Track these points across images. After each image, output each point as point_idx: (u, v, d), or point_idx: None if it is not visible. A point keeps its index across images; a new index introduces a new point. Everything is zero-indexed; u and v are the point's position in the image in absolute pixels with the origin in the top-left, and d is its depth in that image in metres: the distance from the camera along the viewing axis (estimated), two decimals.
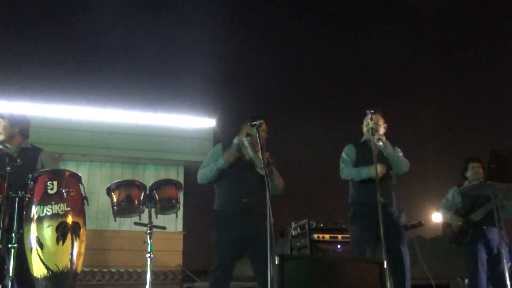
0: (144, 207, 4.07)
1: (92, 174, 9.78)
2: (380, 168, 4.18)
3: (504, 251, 4.71)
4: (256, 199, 3.96)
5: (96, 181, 9.47)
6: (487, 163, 4.60)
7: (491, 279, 5.12)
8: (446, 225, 5.36)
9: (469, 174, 5.36)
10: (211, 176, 4.22)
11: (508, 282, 4.53)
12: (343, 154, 4.66)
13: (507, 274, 4.54)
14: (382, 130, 4.52)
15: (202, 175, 4.28)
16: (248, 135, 4.09)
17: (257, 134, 3.86)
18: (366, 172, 4.31)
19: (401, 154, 4.56)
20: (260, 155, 3.95)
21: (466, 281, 5.95)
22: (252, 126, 4.06)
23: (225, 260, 4.02)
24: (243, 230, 4.02)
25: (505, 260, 4.64)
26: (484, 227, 5.03)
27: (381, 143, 4.36)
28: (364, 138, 4.64)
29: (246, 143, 4.06)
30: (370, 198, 4.22)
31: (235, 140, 4.37)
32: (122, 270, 9.36)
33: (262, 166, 3.87)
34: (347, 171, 4.52)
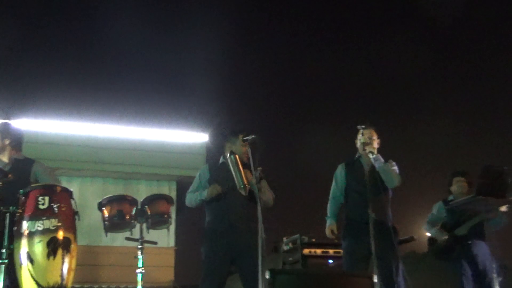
0: (135, 222, 4.07)
1: (84, 189, 9.73)
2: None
3: (494, 265, 4.71)
4: (243, 216, 4.01)
5: (87, 196, 9.41)
6: (479, 178, 4.63)
7: None
8: (431, 240, 5.35)
9: (453, 188, 5.37)
10: (196, 204, 4.32)
11: None
12: (334, 178, 4.71)
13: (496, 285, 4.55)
14: (375, 145, 4.54)
15: (188, 200, 4.39)
16: (231, 153, 4.11)
17: (247, 149, 3.93)
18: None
19: (395, 167, 4.56)
20: (243, 173, 3.98)
21: None
22: (245, 140, 4.10)
23: (213, 276, 4.05)
24: (231, 247, 4.06)
25: (495, 275, 4.64)
26: (470, 242, 5.04)
27: (372, 156, 4.39)
28: (357, 154, 4.66)
29: (229, 161, 4.08)
30: (362, 214, 4.24)
31: (221, 159, 4.41)
32: (113, 286, 9.28)
33: (243, 186, 3.93)
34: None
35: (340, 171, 4.67)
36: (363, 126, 4.46)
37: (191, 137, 10.56)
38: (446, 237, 5.15)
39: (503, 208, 4.94)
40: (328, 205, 4.65)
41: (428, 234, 5.44)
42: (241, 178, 4.01)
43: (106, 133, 10.11)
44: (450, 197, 5.39)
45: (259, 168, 3.95)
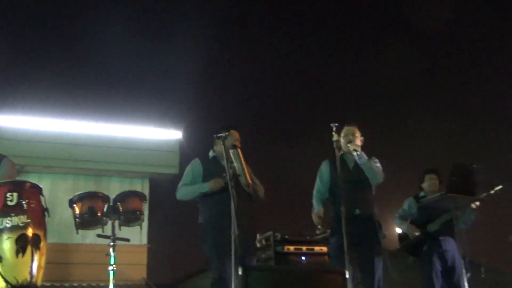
0: (107, 219, 4.02)
1: (55, 186, 9.58)
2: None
3: (463, 262, 4.79)
4: (245, 211, 3.98)
5: (59, 193, 9.26)
6: (449, 175, 4.71)
7: None
8: (403, 236, 5.43)
9: (425, 185, 5.46)
10: (195, 197, 4.26)
11: None
12: (318, 175, 4.71)
13: (466, 285, 4.63)
14: (358, 142, 4.57)
15: (184, 193, 4.32)
16: (234, 146, 4.09)
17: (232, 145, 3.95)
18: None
19: (378, 164, 4.61)
20: (246, 169, 3.97)
21: None
22: (219, 137, 4.10)
23: (222, 270, 4.00)
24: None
25: (464, 271, 4.72)
26: (440, 238, 5.13)
27: (355, 153, 4.42)
28: (341, 151, 4.66)
29: (232, 156, 4.05)
30: (349, 210, 4.27)
31: (211, 153, 4.39)
32: (84, 284, 9.16)
33: (246, 183, 3.92)
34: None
35: (325, 168, 4.67)
36: (336, 125, 4.49)
37: (165, 134, 10.49)
38: (418, 233, 5.23)
39: (474, 205, 5.04)
40: (314, 199, 4.63)
41: (399, 229, 5.51)
42: (245, 174, 4.00)
43: (78, 130, 9.96)
44: (421, 194, 5.47)
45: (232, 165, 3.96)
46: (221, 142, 4.17)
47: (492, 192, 4.97)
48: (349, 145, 4.46)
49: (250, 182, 4.05)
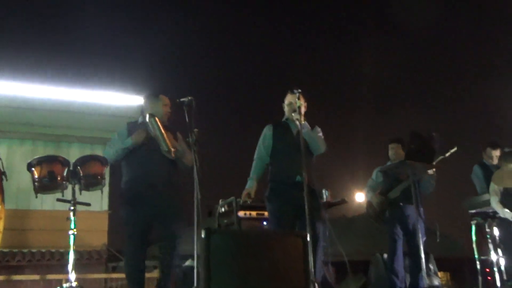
0: (67, 183, 3.97)
1: (12, 152, 9.34)
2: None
3: (420, 226, 4.97)
4: (164, 177, 3.98)
5: (16, 159, 9.03)
6: (407, 143, 4.84)
7: (408, 253, 5.40)
8: (369, 204, 5.61)
9: (390, 154, 5.63)
10: (118, 155, 4.20)
11: (423, 255, 4.81)
12: (261, 138, 4.72)
13: (421, 248, 4.81)
14: (303, 109, 4.58)
15: (108, 152, 4.23)
16: (151, 115, 4.06)
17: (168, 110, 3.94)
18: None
19: (320, 134, 4.64)
20: (166, 137, 3.94)
21: (385, 255, 6.25)
22: (181, 103, 4.06)
23: (136, 239, 4.02)
24: (151, 208, 4.03)
25: (420, 235, 4.90)
26: (401, 204, 5.29)
27: (298, 123, 4.43)
28: (285, 117, 4.70)
29: (150, 125, 4.02)
30: (289, 176, 4.33)
31: (140, 119, 4.35)
32: (43, 250, 9.06)
33: (167, 150, 3.89)
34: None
35: (267, 132, 4.69)
36: (297, 90, 4.51)
37: (127, 99, 10.30)
38: (380, 201, 5.40)
39: (430, 171, 5.21)
40: (253, 165, 4.65)
41: (359, 196, 5.70)
42: (165, 141, 3.97)
43: (36, 94, 9.67)
44: (388, 163, 5.63)
45: (195, 130, 3.92)
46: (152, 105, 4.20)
47: (447, 155, 5.14)
48: (293, 114, 4.46)
49: (172, 148, 4.01)
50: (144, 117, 4.21)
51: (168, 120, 4.19)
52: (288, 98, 4.61)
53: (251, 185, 4.58)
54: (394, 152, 5.58)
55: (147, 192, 4.04)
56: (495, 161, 6.14)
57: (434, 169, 5.18)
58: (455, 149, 5.23)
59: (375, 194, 5.57)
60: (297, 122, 4.40)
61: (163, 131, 3.97)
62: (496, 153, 6.16)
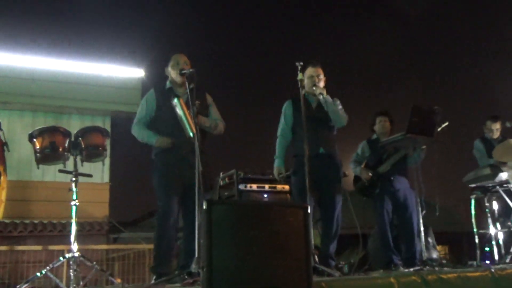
0: (69, 154, 3.97)
1: (12, 123, 9.34)
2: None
3: (419, 200, 4.98)
4: (192, 151, 3.92)
5: (16, 130, 9.04)
6: (409, 117, 4.81)
7: (399, 225, 5.40)
8: (357, 178, 5.58)
9: (376, 127, 5.58)
10: (142, 141, 4.19)
11: (422, 229, 4.84)
12: (282, 116, 4.70)
13: (420, 222, 4.84)
14: (322, 84, 4.56)
15: (137, 134, 4.20)
16: (175, 96, 4.00)
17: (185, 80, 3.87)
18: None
19: (340, 107, 4.62)
20: (190, 120, 3.87)
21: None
22: (182, 74, 4.03)
23: (169, 202, 4.02)
24: (182, 178, 4.02)
25: (419, 208, 4.92)
26: (392, 178, 5.29)
27: (321, 97, 4.41)
28: (303, 91, 4.63)
29: (174, 106, 3.97)
30: (311, 149, 4.33)
31: (168, 84, 4.27)
32: (45, 221, 9.15)
33: (192, 135, 3.83)
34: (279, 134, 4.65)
35: (288, 108, 4.67)
36: (315, 63, 4.49)
37: (127, 71, 10.27)
38: (369, 175, 5.38)
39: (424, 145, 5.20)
40: (277, 144, 4.65)
41: (353, 173, 5.66)
42: (189, 125, 3.91)
43: (36, 65, 9.63)
44: (374, 136, 5.60)
45: (197, 102, 3.89)
46: (171, 70, 4.15)
47: (438, 130, 5.12)
48: (314, 88, 4.44)
49: (195, 132, 3.96)
50: (171, 82, 4.19)
51: (190, 78, 3.93)
52: (309, 71, 4.55)
53: (280, 164, 4.62)
54: (382, 125, 5.53)
55: (178, 163, 4.03)
56: (496, 135, 6.13)
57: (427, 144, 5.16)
58: (446, 123, 5.21)
59: (362, 169, 5.51)
60: (320, 97, 4.37)
61: (187, 113, 3.89)
62: (496, 126, 6.14)
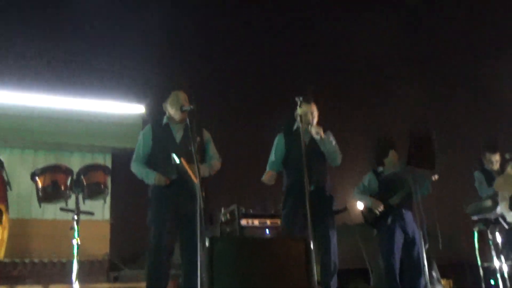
0: (71, 192, 3.98)
1: (12, 160, 9.33)
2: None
3: (421, 233, 4.96)
4: (190, 184, 3.92)
5: (17, 168, 9.04)
6: (408, 147, 4.81)
7: (406, 261, 5.35)
8: (367, 209, 5.54)
9: (388, 160, 5.58)
10: (141, 179, 4.22)
11: (426, 263, 4.80)
12: (273, 148, 4.73)
13: (424, 256, 4.81)
14: (315, 121, 4.59)
15: (135, 172, 4.25)
16: (177, 157, 3.99)
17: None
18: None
19: (334, 142, 4.64)
20: (192, 175, 3.87)
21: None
22: (183, 111, 4.07)
23: (161, 238, 4.00)
24: (177, 214, 4.01)
25: (421, 242, 4.89)
26: (403, 210, 5.27)
27: (319, 137, 4.42)
28: (296, 125, 4.68)
29: (177, 163, 3.99)
30: (301, 184, 4.34)
31: (165, 119, 4.30)
32: (45, 260, 9.04)
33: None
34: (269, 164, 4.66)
35: (279, 142, 4.72)
36: (300, 99, 4.51)
37: (127, 108, 10.34)
38: (381, 207, 5.34)
39: (434, 178, 5.20)
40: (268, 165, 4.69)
41: (360, 203, 5.63)
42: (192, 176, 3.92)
43: (37, 103, 9.70)
44: (380, 169, 5.60)
45: (198, 139, 3.93)
46: (168, 106, 4.19)
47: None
48: (311, 128, 4.46)
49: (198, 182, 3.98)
50: (168, 117, 4.21)
51: (190, 115, 3.99)
52: (303, 108, 4.57)
53: (272, 170, 4.67)
54: (394, 158, 5.54)
55: (175, 195, 4.03)
56: (496, 166, 6.12)
57: (437, 176, 5.17)
58: (436, 177, 5.22)
59: (373, 200, 5.47)
60: (318, 137, 4.39)
61: (189, 171, 3.89)
62: (496, 157, 6.14)
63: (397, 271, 5.20)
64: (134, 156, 4.30)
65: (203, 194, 3.65)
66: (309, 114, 4.54)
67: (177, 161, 3.91)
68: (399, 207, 5.28)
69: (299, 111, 4.39)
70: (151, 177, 4.12)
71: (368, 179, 5.64)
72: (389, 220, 5.29)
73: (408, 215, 5.27)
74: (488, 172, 6.15)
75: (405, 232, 5.25)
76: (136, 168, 4.25)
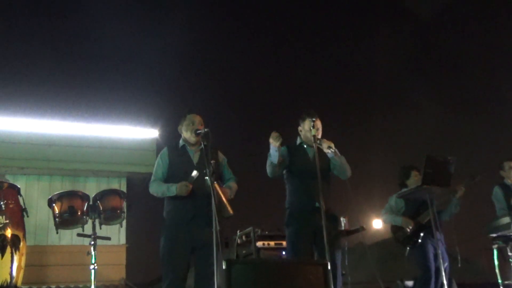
0: (87, 217, 4.00)
1: (29, 187, 9.43)
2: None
3: (442, 251, 4.95)
4: (205, 207, 3.90)
5: (34, 194, 9.14)
6: (423, 168, 4.81)
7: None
8: (397, 228, 5.54)
9: (410, 181, 5.61)
10: (163, 196, 4.18)
11: (444, 278, 4.76)
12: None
13: (443, 270, 4.79)
14: (320, 134, 4.54)
15: (155, 190, 4.20)
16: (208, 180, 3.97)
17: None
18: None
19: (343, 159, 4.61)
20: (225, 202, 3.88)
21: (407, 283, 6.18)
22: (197, 134, 4.10)
23: (175, 268, 3.98)
24: (192, 239, 4.00)
25: (441, 260, 4.86)
26: (432, 228, 5.26)
27: (331, 151, 4.36)
28: (299, 141, 4.65)
29: (194, 175, 4.00)
30: (305, 202, 4.31)
31: (181, 142, 4.31)
32: (62, 286, 9.05)
33: (229, 215, 3.82)
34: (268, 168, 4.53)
35: (284, 152, 4.58)
36: (313, 119, 4.48)
37: (141, 133, 10.42)
38: (412, 225, 5.37)
39: (459, 193, 5.20)
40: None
41: (391, 224, 5.63)
42: (225, 207, 3.91)
43: (52, 130, 9.82)
44: (404, 189, 5.58)
45: (212, 162, 3.93)
46: (183, 129, 4.21)
47: (473, 182, 5.14)
48: (323, 144, 4.37)
49: (231, 211, 3.97)
50: (184, 140, 4.25)
51: (205, 138, 3.98)
52: (307, 124, 4.55)
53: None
54: (417, 179, 5.54)
55: (190, 223, 4.02)
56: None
57: (462, 192, 5.17)
58: (479, 177, 5.22)
59: (404, 219, 5.47)
60: (329, 150, 4.33)
61: (221, 194, 3.88)
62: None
63: (433, 285, 5.19)
64: (152, 177, 4.30)
65: (219, 216, 3.65)
66: (316, 129, 4.45)
67: (195, 174, 3.92)
68: (428, 224, 5.27)
69: (313, 132, 4.34)
70: (172, 188, 4.07)
71: (394, 200, 5.66)
72: (421, 237, 5.32)
73: (437, 234, 5.24)
74: (507, 187, 6.08)
75: (435, 248, 5.22)
76: (156, 186, 4.21)
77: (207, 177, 3.80)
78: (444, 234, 5.43)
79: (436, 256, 5.20)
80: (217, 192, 3.85)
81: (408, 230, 5.40)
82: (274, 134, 4.21)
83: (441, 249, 5.14)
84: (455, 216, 5.50)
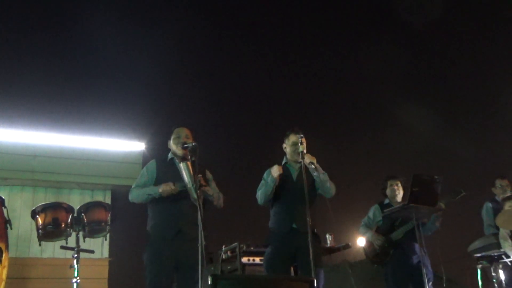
0: (71, 230, 3.95)
1: (12, 198, 9.29)
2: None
3: (427, 268, 4.93)
4: (191, 222, 3.89)
5: (16, 205, 9.00)
6: (410, 186, 4.84)
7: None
8: (368, 244, 5.50)
9: (388, 191, 5.57)
10: (144, 200, 4.14)
11: None
12: (263, 177, 4.67)
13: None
14: (305, 149, 4.53)
15: (135, 195, 4.17)
16: (183, 159, 4.06)
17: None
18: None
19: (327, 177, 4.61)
20: (195, 178, 3.89)
21: None
22: (184, 148, 4.10)
23: (158, 284, 3.94)
24: (177, 253, 3.97)
25: (425, 280, 4.85)
26: (405, 245, 5.23)
27: (312, 166, 4.38)
28: (284, 161, 4.68)
29: (182, 169, 4.00)
30: (283, 224, 4.34)
31: (169, 155, 4.31)
32: None
33: (196, 197, 3.81)
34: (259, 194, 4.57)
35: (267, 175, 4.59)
36: (301, 135, 4.48)
37: (127, 145, 10.35)
38: (381, 241, 5.30)
39: (438, 208, 5.20)
40: (260, 193, 4.59)
41: (363, 237, 5.59)
42: (195, 189, 3.90)
43: (37, 141, 9.72)
44: (386, 201, 5.58)
45: (199, 176, 3.92)
46: (172, 143, 4.21)
47: (456, 199, 5.14)
48: (304, 157, 4.36)
49: (204, 183, 3.98)
50: (173, 153, 4.24)
51: (192, 153, 3.95)
52: (291, 139, 4.58)
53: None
54: (392, 189, 5.53)
55: (175, 237, 3.99)
56: (507, 193, 6.07)
57: (442, 207, 5.16)
58: (463, 193, 5.22)
59: (374, 234, 5.41)
60: (312, 166, 4.35)
61: (193, 173, 3.89)
62: (503, 182, 6.14)
63: None
64: (133, 185, 4.26)
65: (204, 232, 3.63)
66: (298, 144, 4.45)
67: (184, 166, 3.91)
68: (401, 242, 5.24)
69: (300, 148, 4.35)
70: (155, 190, 4.05)
71: (373, 211, 5.61)
72: (390, 256, 5.24)
73: (412, 248, 5.21)
74: (498, 203, 6.10)
75: (408, 265, 5.17)
76: (137, 191, 4.16)
77: (191, 187, 3.82)
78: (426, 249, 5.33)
79: (412, 272, 5.16)
80: (191, 173, 3.85)
81: (378, 247, 5.32)
82: (277, 167, 4.36)
83: (426, 263, 5.08)
84: (438, 234, 5.47)
